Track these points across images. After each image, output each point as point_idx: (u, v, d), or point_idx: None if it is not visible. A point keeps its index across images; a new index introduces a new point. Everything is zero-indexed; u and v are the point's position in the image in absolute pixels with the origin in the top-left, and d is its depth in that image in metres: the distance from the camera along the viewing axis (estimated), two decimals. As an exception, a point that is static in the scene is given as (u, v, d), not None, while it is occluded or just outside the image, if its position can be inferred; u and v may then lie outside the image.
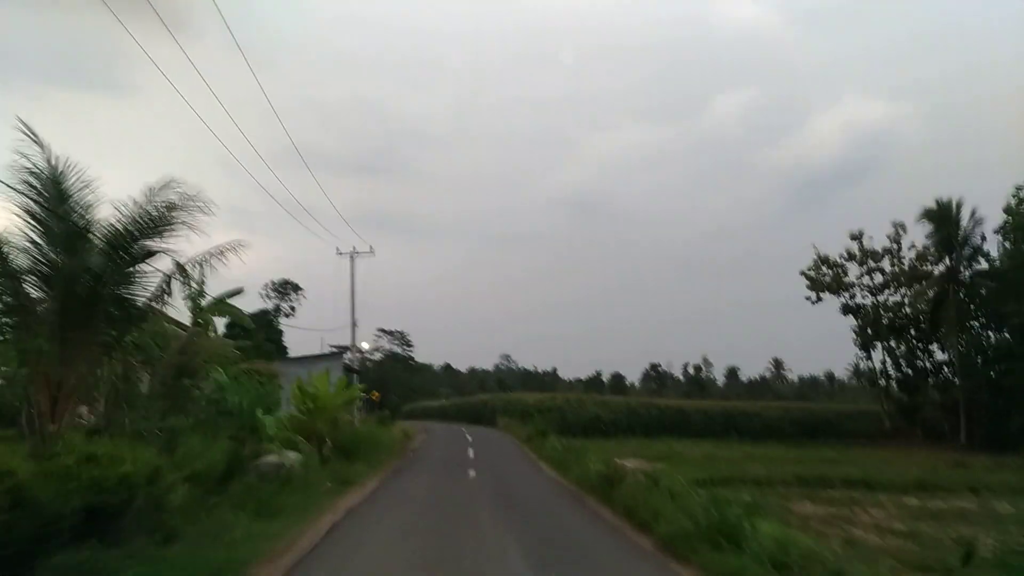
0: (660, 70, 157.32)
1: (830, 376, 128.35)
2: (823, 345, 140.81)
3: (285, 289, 51.71)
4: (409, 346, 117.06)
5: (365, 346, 45.70)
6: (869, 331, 52.39)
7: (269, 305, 49.23)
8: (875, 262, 51.76)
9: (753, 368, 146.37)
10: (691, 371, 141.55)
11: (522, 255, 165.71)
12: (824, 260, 54.35)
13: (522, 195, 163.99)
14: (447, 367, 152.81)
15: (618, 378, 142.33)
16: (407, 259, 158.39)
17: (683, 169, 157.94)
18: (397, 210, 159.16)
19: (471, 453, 26.20)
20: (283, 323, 49.63)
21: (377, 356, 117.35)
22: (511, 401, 47.72)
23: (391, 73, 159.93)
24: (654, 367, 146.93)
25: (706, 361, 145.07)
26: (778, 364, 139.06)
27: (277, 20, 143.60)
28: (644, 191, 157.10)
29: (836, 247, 53.23)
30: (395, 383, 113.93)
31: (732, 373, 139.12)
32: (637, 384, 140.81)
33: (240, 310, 24.48)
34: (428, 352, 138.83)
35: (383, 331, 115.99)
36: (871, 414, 51.02)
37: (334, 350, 42.17)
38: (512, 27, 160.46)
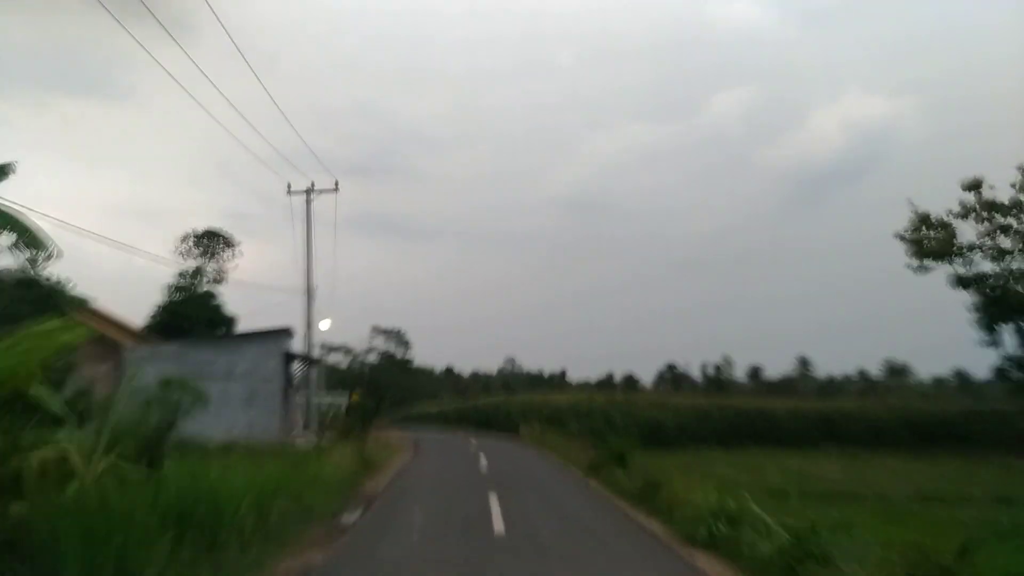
0: (658, 69, 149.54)
1: (862, 373, 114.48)
2: (843, 341, 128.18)
3: (211, 243, 34.18)
4: (407, 346, 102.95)
5: (325, 326, 31.33)
6: (996, 307, 38.07)
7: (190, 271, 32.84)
8: (1003, 217, 37.57)
9: (774, 367, 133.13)
10: (710, 371, 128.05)
11: (524, 256, 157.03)
12: (925, 219, 40.10)
13: (522, 196, 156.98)
14: (449, 370, 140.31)
15: (630, 380, 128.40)
16: (407, 262, 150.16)
17: (683, 168, 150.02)
18: (397, 213, 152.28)
19: (497, 514, 11.41)
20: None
21: (372, 357, 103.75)
22: (534, 404, 33.54)
23: (390, 75, 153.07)
24: (670, 367, 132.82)
25: (727, 360, 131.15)
26: (804, 362, 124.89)
27: (277, 22, 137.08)
28: (644, 190, 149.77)
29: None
30: (391, 385, 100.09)
31: (755, 372, 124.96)
32: (650, 386, 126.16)
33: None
34: (429, 355, 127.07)
35: (378, 329, 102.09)
36: (1003, 415, 36.88)
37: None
38: (510, 27, 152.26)
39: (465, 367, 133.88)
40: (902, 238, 40.35)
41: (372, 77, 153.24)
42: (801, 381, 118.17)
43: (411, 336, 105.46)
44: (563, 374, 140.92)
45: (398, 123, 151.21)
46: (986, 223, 37.95)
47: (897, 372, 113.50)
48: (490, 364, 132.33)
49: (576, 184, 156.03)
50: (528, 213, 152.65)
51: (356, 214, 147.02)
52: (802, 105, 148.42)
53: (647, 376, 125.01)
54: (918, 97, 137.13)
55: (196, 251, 31.80)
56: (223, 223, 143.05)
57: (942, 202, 38.44)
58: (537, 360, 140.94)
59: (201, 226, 32.84)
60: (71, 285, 21.26)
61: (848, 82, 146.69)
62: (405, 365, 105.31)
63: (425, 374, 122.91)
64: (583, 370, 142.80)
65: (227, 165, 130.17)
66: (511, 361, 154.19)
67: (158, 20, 10.24)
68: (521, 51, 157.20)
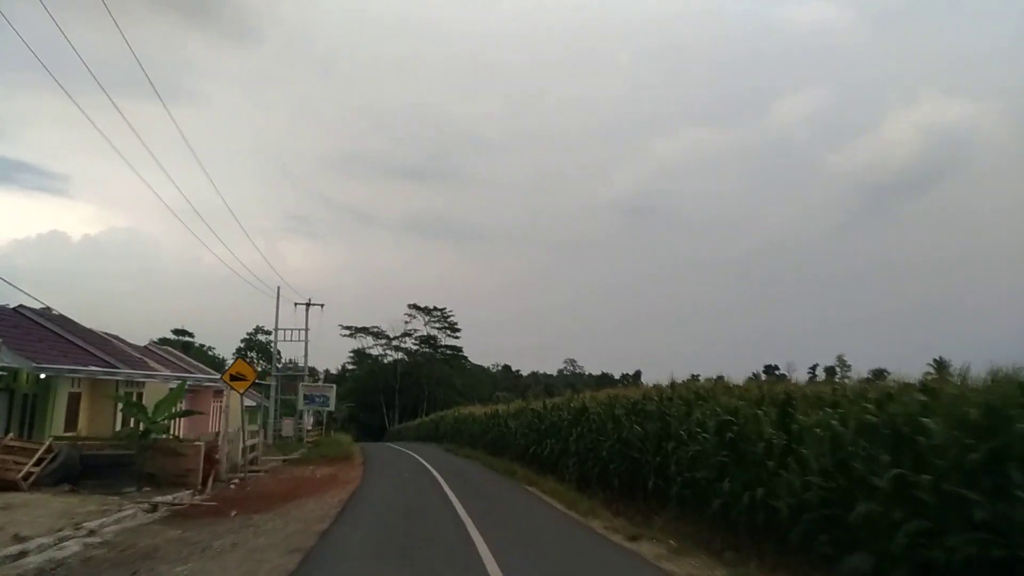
0: (721, 71, 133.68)
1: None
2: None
3: None
4: (454, 331, 75.14)
5: None
6: None
7: None
8: None
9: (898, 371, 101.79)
10: (821, 374, 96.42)
11: (579, 259, 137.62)
12: None
13: (577, 198, 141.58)
14: (505, 368, 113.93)
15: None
16: (462, 264, 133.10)
17: (745, 173, 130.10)
18: (453, 216, 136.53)
19: None
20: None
21: (408, 342, 76.40)
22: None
23: (446, 77, 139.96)
24: (769, 369, 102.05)
25: (842, 362, 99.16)
26: (940, 365, 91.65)
27: (334, 26, 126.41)
28: (704, 195, 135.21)
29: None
30: (430, 379, 72.70)
31: (878, 375, 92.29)
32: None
33: None
34: (484, 355, 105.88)
35: (416, 307, 74.85)
36: None
37: None
38: (567, 29, 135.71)
39: (523, 369, 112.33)
40: None
41: (427, 78, 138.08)
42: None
43: (460, 324, 78.48)
44: (637, 375, 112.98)
45: (453, 125, 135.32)
46: None
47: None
48: (549, 367, 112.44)
49: (634, 188, 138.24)
50: (582, 217, 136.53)
51: (411, 216, 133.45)
52: (875, 109, 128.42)
53: (739, 379, 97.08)
54: (1001, 100, 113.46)
55: None
56: (284, 225, 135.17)
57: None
58: (598, 364, 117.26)
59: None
60: None
61: (925, 85, 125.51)
62: (452, 355, 78.07)
63: (480, 371, 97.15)
64: (656, 372, 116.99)
65: (290, 167, 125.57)
66: (571, 362, 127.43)
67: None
68: (578, 50, 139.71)
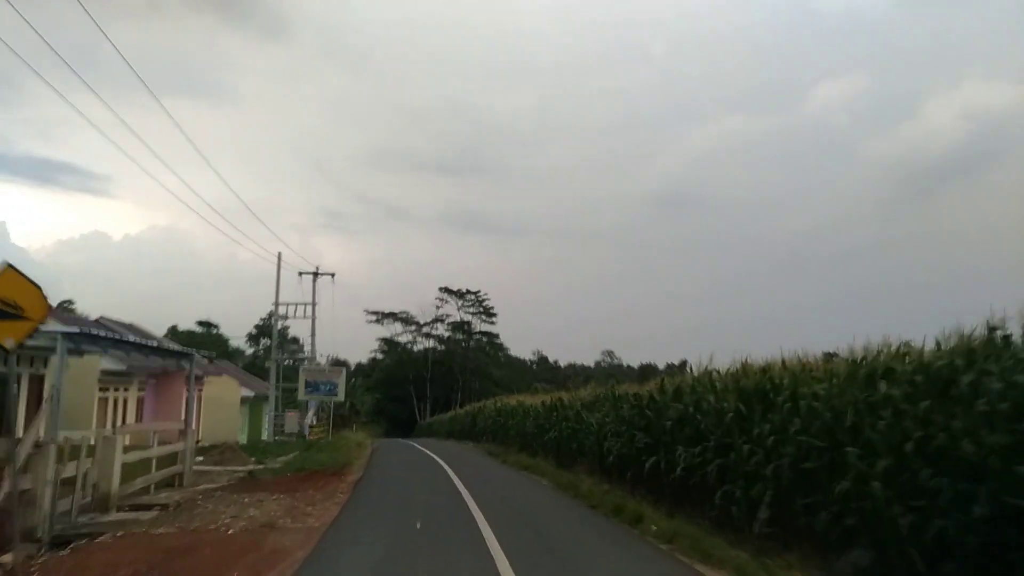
0: (757, 57, 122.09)
1: None
2: None
3: None
4: (489, 315, 67.80)
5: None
6: None
7: None
8: None
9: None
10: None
11: (615, 250, 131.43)
12: None
13: (612, 189, 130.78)
14: (542, 359, 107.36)
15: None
16: (496, 257, 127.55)
17: (781, 161, 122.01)
18: (487, 209, 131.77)
19: None
20: None
21: (440, 328, 69.22)
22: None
23: (479, 72, 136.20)
24: (828, 357, 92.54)
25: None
26: None
27: (368, 20, 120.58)
28: (739, 184, 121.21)
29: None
30: (464, 369, 65.61)
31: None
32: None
33: None
34: (518, 349, 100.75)
35: (448, 291, 67.70)
36: None
37: None
38: (601, 17, 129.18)
39: (559, 360, 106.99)
40: None
41: (461, 73, 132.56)
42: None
43: (497, 311, 71.16)
44: (683, 365, 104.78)
45: (487, 119, 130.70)
46: None
47: None
48: (586, 358, 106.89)
49: (669, 177, 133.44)
50: (618, 206, 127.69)
51: (446, 211, 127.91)
52: (916, 93, 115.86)
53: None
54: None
55: None
56: (319, 221, 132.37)
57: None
58: (635, 356, 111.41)
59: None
60: None
61: (968, 67, 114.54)
62: (488, 342, 70.86)
63: (516, 361, 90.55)
64: (698, 363, 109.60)
65: (324, 164, 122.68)
66: (609, 354, 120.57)
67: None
68: (612, 40, 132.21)
